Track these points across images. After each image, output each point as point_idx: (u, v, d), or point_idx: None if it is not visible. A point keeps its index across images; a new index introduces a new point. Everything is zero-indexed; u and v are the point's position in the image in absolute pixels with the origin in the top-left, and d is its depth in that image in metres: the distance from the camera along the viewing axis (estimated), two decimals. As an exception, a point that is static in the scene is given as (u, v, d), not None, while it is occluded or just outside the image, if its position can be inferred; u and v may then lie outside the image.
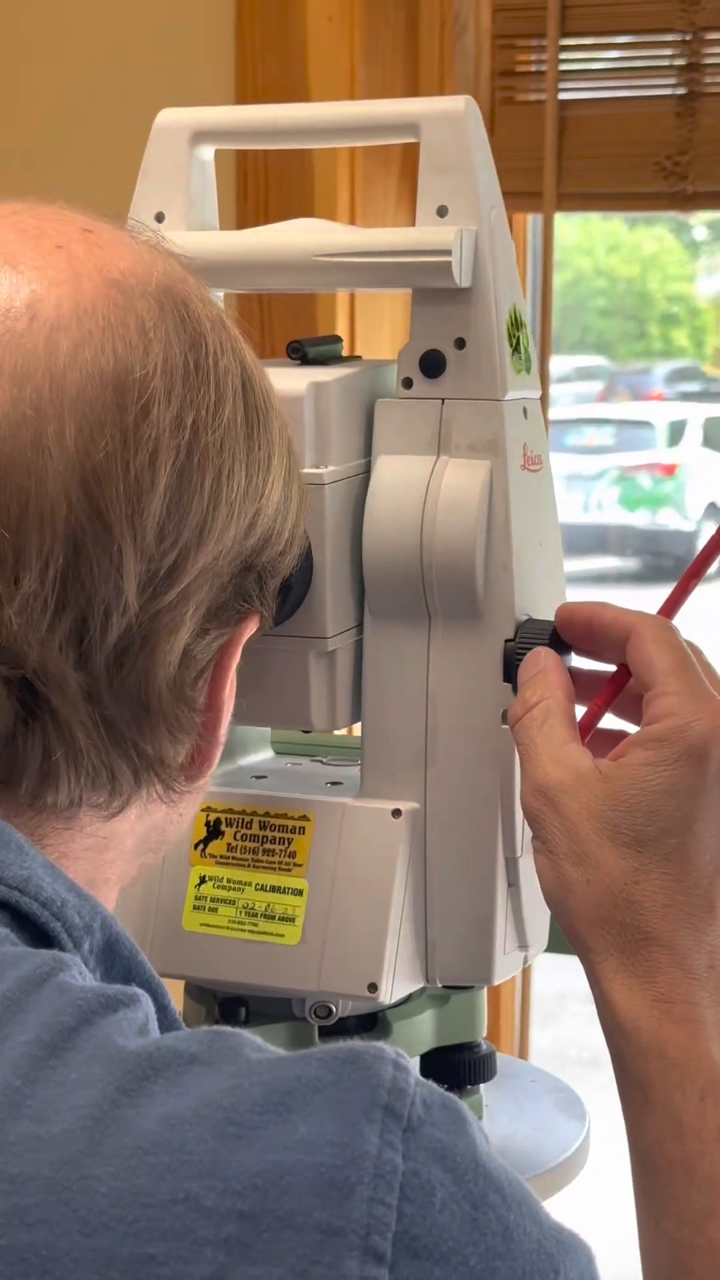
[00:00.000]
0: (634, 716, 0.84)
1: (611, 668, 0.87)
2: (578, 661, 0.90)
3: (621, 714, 0.86)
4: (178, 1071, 0.58)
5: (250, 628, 0.76)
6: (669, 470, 7.46)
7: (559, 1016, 3.90)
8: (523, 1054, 1.78)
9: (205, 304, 0.73)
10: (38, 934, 0.65)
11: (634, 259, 7.98)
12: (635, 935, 0.77)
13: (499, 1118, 1.03)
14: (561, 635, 0.88)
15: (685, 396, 7.89)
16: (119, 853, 0.74)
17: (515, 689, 0.89)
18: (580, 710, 0.86)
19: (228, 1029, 0.61)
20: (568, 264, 7.64)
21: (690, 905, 0.77)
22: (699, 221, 7.41)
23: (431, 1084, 0.60)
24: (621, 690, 0.86)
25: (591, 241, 7.77)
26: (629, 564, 7.26)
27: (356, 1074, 0.58)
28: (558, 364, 7.72)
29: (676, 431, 7.53)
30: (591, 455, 7.44)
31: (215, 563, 0.71)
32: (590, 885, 0.78)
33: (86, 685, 0.68)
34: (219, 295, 1.01)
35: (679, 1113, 0.75)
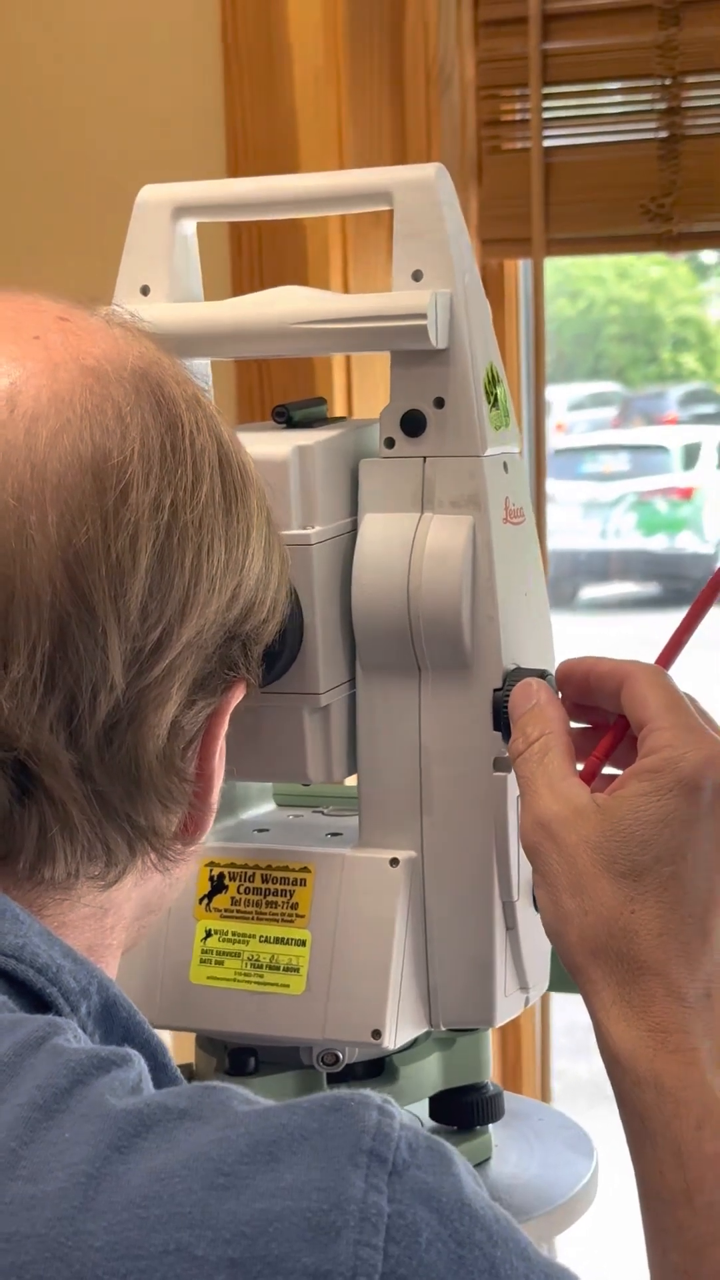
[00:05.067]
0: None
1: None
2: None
3: (621, 765, 0.88)
4: (168, 1127, 0.60)
5: (237, 695, 0.79)
6: (686, 494, 7.47)
7: (590, 1049, 3.89)
8: (544, 1092, 1.80)
9: (181, 384, 0.76)
10: (35, 999, 0.68)
11: (644, 284, 8.01)
12: (631, 965, 0.79)
13: (508, 1156, 1.05)
14: (561, 689, 0.90)
15: (699, 419, 7.91)
16: (118, 918, 0.77)
17: (507, 725, 0.90)
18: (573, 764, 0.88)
19: (218, 1084, 0.63)
20: (581, 292, 7.67)
21: (685, 934, 0.79)
22: (706, 245, 7.42)
23: (418, 1127, 0.62)
24: (621, 740, 0.88)
25: (601, 269, 7.81)
26: (648, 589, 7.27)
27: (341, 1121, 0.60)
28: (572, 391, 7.74)
29: (692, 455, 7.54)
30: (608, 481, 7.46)
31: (199, 636, 0.74)
32: (587, 916, 0.80)
33: (78, 763, 0.70)
34: (205, 364, 1.04)
35: (677, 1142, 0.76)
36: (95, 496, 0.69)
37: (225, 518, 0.75)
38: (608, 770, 0.90)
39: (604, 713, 0.90)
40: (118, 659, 0.70)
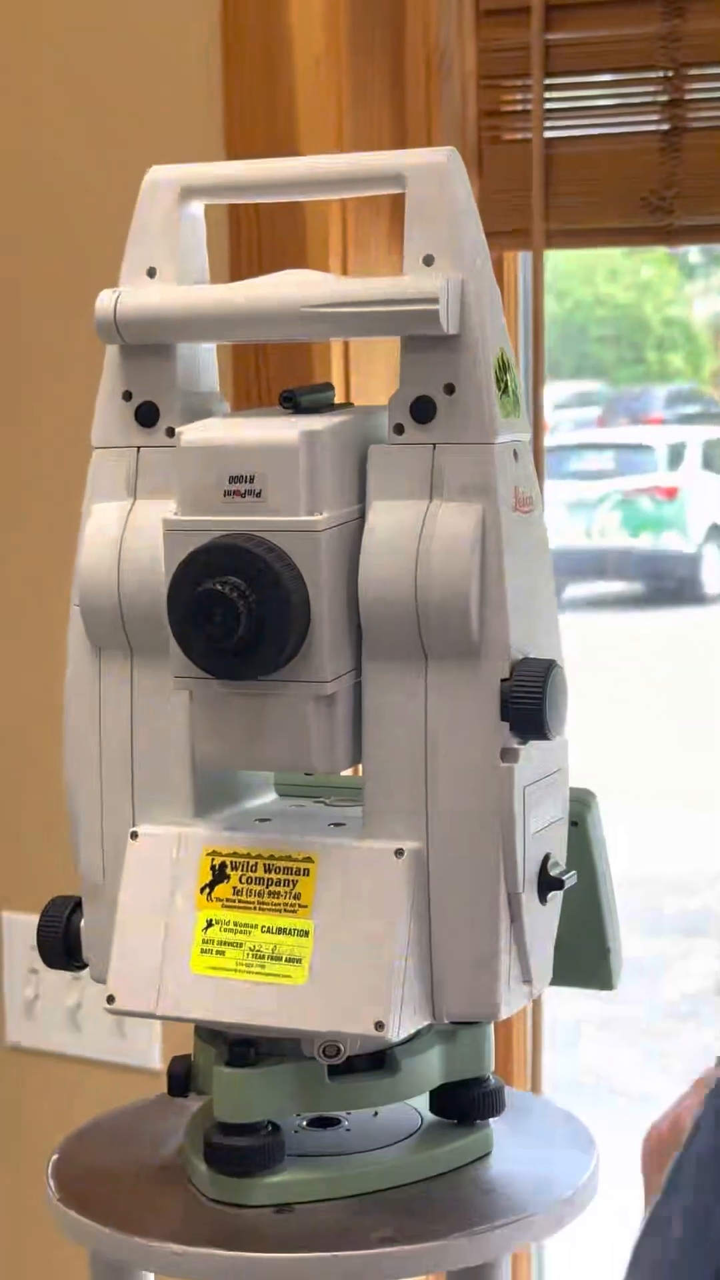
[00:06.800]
0: None
1: None
2: None
3: None
4: None
5: None
6: (670, 493, 7.46)
7: (574, 1043, 3.89)
8: (535, 1085, 1.79)
9: None
10: None
11: (631, 284, 8.01)
12: None
13: (508, 1151, 1.04)
14: None
15: (684, 419, 7.90)
16: None
17: (514, 715, 0.88)
18: None
19: None
20: (568, 293, 7.66)
21: None
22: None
23: None
24: None
25: (591, 270, 7.80)
26: (633, 587, 7.26)
27: None
28: (557, 390, 7.73)
29: (676, 454, 7.54)
30: (592, 480, 7.45)
31: None
32: None
33: None
34: (211, 348, 1.03)
35: None
36: None
37: None
38: None
39: None
40: None
